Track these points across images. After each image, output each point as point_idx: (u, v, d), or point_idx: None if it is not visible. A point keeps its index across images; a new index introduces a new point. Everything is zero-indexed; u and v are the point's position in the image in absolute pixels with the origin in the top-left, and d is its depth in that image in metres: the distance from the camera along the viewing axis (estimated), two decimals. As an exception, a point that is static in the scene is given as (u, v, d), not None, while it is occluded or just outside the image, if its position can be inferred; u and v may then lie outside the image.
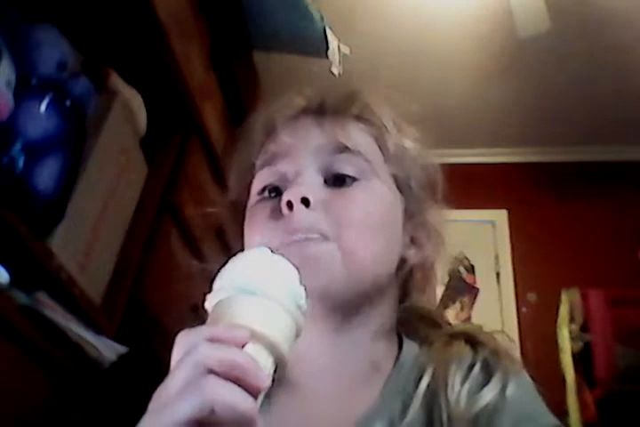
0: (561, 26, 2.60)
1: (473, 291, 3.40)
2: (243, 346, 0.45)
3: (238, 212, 0.71)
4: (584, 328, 2.72)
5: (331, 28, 1.72)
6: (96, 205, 1.12)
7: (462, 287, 3.37)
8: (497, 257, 3.49)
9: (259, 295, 0.49)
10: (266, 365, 0.47)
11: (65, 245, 1.02)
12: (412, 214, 0.69)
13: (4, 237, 0.89)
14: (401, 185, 0.69)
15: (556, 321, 2.87)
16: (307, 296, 0.52)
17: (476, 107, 3.29)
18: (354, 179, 0.65)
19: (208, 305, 0.50)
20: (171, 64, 1.33)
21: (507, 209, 3.57)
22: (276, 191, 0.66)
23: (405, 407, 0.60)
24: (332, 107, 0.69)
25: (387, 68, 2.98)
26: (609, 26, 2.75)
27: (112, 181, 1.17)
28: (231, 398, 0.42)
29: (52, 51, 1.05)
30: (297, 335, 0.51)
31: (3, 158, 0.94)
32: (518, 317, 3.32)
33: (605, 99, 3.19)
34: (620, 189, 3.47)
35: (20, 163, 0.96)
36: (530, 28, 2.53)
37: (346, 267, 0.61)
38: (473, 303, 3.38)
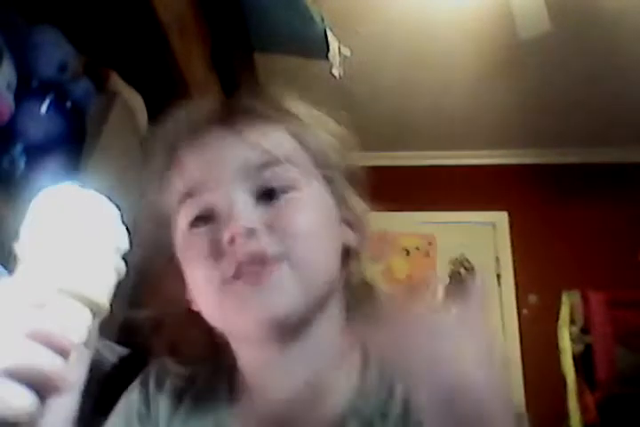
0: (561, 26, 2.60)
1: (473, 292, 3.40)
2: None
3: (161, 247, 0.67)
4: (585, 330, 2.71)
5: (331, 29, 1.72)
6: (96, 206, 1.12)
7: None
8: (497, 259, 3.49)
9: (64, 247, 0.46)
10: (81, 317, 0.46)
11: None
12: (340, 201, 0.67)
13: (4, 237, 0.89)
14: (327, 177, 0.66)
15: (556, 323, 2.87)
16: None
17: (476, 107, 3.29)
18: (286, 191, 0.62)
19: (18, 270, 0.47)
20: (171, 65, 1.33)
21: (507, 211, 3.57)
22: (205, 221, 0.62)
23: (383, 406, 0.60)
24: (243, 108, 0.66)
25: (387, 69, 2.98)
26: (609, 26, 2.75)
27: (112, 181, 1.17)
28: (34, 360, 0.43)
29: (53, 52, 1.05)
30: (119, 277, 0.49)
31: (4, 160, 0.94)
32: (519, 318, 3.31)
33: (606, 100, 3.19)
34: (621, 190, 3.47)
35: (22, 164, 0.96)
36: (530, 29, 2.53)
37: (302, 284, 0.59)
38: (473, 305, 3.37)
